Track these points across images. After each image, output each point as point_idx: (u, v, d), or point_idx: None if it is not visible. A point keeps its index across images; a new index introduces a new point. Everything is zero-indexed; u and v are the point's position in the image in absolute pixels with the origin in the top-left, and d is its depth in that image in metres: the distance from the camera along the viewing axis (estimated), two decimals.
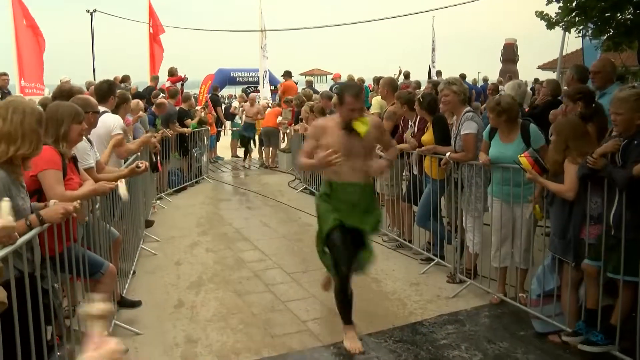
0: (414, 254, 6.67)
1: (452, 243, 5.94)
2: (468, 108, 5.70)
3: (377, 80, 10.57)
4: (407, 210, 6.78)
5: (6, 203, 2.70)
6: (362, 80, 16.48)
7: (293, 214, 9.12)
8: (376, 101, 8.29)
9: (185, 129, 10.97)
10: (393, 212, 7.19)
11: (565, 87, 6.55)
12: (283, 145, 14.94)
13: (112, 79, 11.28)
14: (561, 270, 4.42)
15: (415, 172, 6.52)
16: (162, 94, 11.74)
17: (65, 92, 5.23)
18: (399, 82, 9.88)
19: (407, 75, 15.30)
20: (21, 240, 2.88)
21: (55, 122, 3.88)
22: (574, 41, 11.69)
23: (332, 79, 18.41)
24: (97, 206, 4.33)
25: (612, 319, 3.96)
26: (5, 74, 11.10)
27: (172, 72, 14.00)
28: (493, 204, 5.20)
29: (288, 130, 13.89)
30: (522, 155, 4.65)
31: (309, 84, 16.58)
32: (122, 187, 4.48)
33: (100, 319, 1.31)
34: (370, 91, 13.30)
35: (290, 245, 7.31)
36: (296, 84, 16.24)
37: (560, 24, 8.20)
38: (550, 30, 8.34)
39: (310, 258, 6.68)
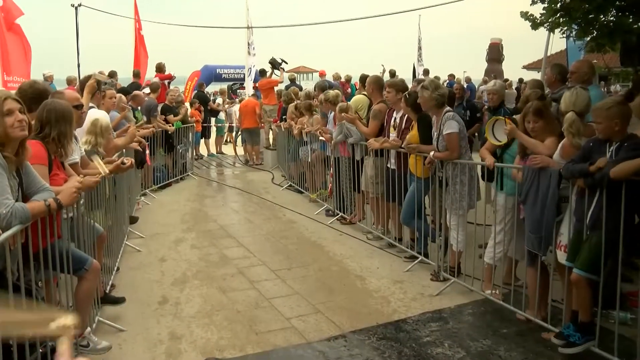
0: (398, 251, 6.70)
1: (436, 241, 5.98)
2: (447, 108, 5.76)
3: (363, 79, 10.58)
4: (394, 208, 6.80)
5: None
6: (348, 79, 16.53)
7: (278, 211, 9.13)
8: (358, 99, 8.26)
9: (168, 127, 10.92)
10: (377, 209, 7.22)
11: (548, 89, 6.63)
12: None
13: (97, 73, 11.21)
14: (535, 265, 4.56)
15: (393, 167, 6.56)
16: (148, 90, 11.67)
17: (35, 94, 4.40)
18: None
19: (392, 74, 15.35)
20: (4, 235, 2.86)
21: (63, 120, 3.96)
22: (558, 42, 11.80)
23: (319, 75, 18.41)
24: (81, 202, 4.29)
25: (580, 316, 4.05)
26: None
27: (160, 68, 13.88)
28: (506, 202, 5.03)
29: (273, 127, 13.89)
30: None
31: (292, 81, 16.57)
32: (99, 164, 4.55)
33: (68, 335, 1.27)
34: (357, 89, 13.35)
35: (275, 243, 7.32)
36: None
37: (545, 25, 8.26)
38: (535, 30, 8.40)
39: (294, 256, 6.72)
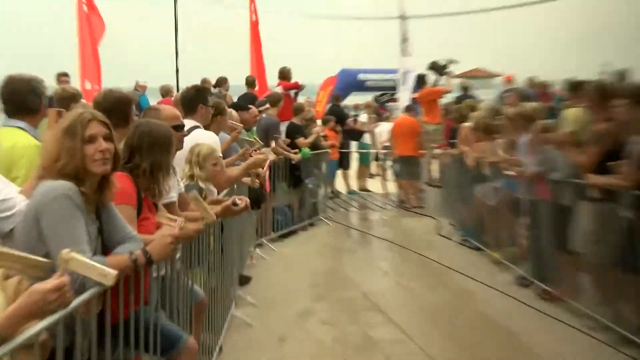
0: None
1: None
2: None
3: (573, 85, 10.13)
4: (630, 281, 6.31)
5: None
6: (544, 85, 16.01)
7: (445, 275, 8.96)
8: (571, 114, 7.94)
9: (293, 154, 11.05)
10: (602, 282, 6.73)
11: None
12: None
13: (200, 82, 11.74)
14: None
15: (630, 216, 6.11)
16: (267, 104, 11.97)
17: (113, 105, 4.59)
18: None
19: (622, 76, 14.59)
20: (75, 302, 2.87)
21: (159, 147, 4.12)
22: None
23: (504, 81, 17.96)
24: (177, 256, 4.34)
25: None
26: (65, 75, 12.00)
27: (284, 75, 14.07)
28: None
29: (438, 154, 13.73)
30: None
31: (465, 90, 16.34)
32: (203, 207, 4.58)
33: None
34: (563, 100, 12.84)
35: (442, 323, 7.13)
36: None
37: None
38: None
39: (470, 345, 6.51)
